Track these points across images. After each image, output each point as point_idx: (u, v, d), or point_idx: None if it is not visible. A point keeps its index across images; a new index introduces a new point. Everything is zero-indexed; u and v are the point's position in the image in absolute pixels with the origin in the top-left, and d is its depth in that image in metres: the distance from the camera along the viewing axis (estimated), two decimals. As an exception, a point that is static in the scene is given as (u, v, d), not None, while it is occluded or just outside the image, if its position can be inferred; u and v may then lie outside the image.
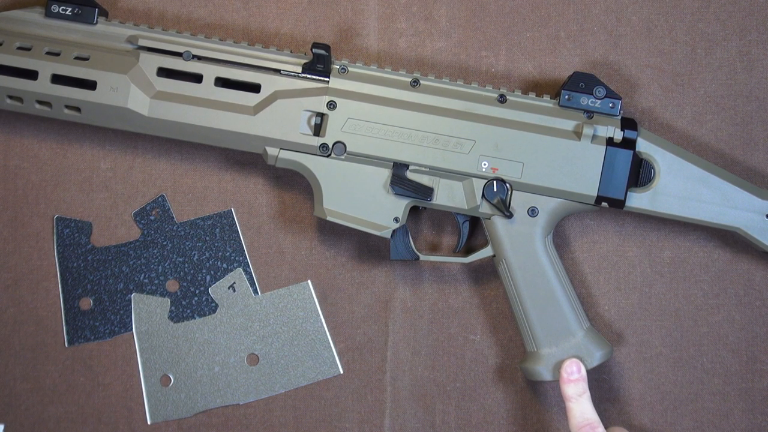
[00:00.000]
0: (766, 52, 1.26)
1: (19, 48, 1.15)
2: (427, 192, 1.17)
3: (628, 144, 1.16)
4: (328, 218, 1.16)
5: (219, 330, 1.26)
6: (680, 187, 1.17)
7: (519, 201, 1.17)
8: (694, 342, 1.26)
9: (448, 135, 1.16)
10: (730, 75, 1.26)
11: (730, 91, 1.26)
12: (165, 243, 1.26)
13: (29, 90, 1.15)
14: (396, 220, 1.17)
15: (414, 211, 1.24)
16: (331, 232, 1.26)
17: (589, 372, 1.17)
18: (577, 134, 1.16)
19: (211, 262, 1.26)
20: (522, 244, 1.17)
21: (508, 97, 1.17)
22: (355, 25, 1.27)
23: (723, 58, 1.26)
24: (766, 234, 1.18)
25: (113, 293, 1.25)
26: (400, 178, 1.16)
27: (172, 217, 1.27)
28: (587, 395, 1.15)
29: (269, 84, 1.16)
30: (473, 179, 1.16)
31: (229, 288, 1.26)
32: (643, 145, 1.17)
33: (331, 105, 1.16)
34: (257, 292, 1.26)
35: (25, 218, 1.26)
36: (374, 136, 1.16)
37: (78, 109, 1.16)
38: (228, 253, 1.26)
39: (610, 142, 1.16)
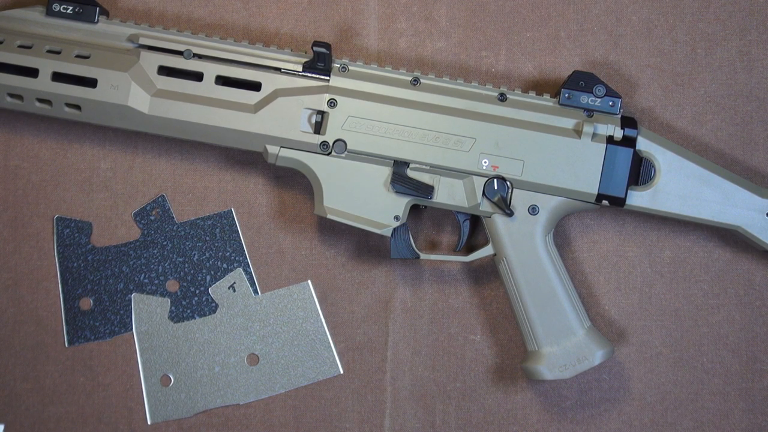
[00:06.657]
0: (766, 52, 1.26)
1: (20, 46, 1.16)
2: (427, 190, 1.16)
3: (629, 142, 1.16)
4: (329, 216, 1.16)
5: (219, 330, 1.25)
6: (681, 186, 1.17)
7: (519, 199, 1.17)
8: (694, 342, 1.26)
9: (449, 133, 1.16)
10: (730, 75, 1.26)
11: (730, 91, 1.26)
12: (165, 243, 1.26)
13: (30, 88, 1.15)
14: (396, 218, 1.17)
15: (414, 210, 1.23)
16: (331, 231, 1.26)
17: (589, 372, 1.17)
18: (578, 132, 1.16)
19: (211, 262, 1.26)
20: (523, 242, 1.17)
21: (508, 96, 1.17)
22: (355, 25, 1.27)
23: (723, 58, 1.27)
24: (767, 233, 1.18)
25: (113, 293, 1.25)
26: (400, 176, 1.16)
27: (172, 217, 1.26)
28: None
29: (270, 82, 1.16)
30: (474, 177, 1.17)
31: (229, 288, 1.26)
32: (644, 144, 1.17)
33: (332, 103, 1.16)
34: (257, 292, 1.26)
35: (25, 218, 1.26)
36: (375, 134, 1.16)
37: (78, 107, 1.16)
38: (228, 253, 1.26)
39: (610, 140, 1.16)
